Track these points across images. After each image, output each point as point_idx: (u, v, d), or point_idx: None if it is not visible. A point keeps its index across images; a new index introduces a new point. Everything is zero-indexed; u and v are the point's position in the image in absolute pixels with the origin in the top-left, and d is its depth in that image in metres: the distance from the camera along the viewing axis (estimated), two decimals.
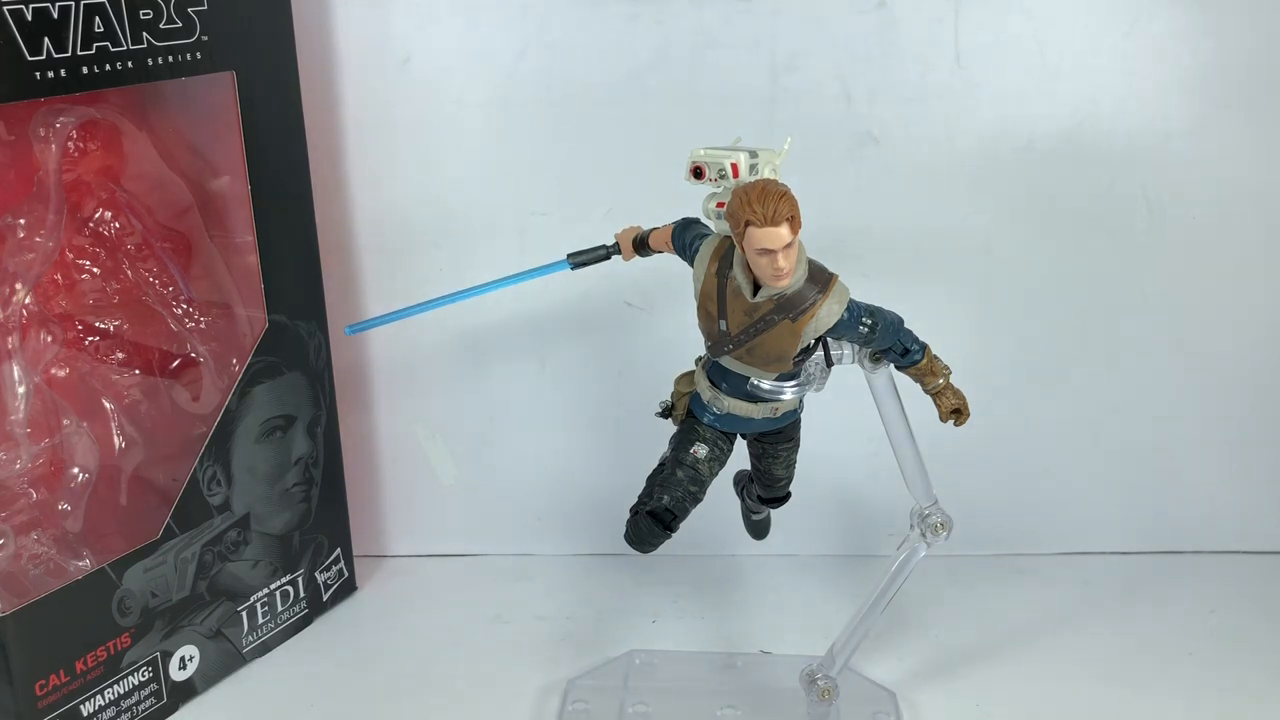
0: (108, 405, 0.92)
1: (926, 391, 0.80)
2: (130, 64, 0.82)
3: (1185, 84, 1.00)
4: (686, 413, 0.81)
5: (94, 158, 0.89)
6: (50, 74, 0.77)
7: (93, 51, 0.79)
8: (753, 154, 0.75)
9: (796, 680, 0.87)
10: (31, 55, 0.76)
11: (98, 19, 0.79)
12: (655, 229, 0.82)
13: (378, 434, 1.13)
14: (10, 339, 0.85)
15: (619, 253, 0.85)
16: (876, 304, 0.75)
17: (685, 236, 0.78)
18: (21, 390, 0.86)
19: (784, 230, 0.68)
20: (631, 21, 1.00)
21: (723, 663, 0.95)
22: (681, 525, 0.78)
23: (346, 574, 1.07)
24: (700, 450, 0.79)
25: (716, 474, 0.80)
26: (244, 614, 0.98)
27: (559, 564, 1.12)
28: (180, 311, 0.94)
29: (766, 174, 0.75)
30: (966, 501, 0.89)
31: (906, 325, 0.77)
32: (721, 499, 0.89)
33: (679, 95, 1.01)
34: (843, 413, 0.91)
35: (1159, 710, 0.90)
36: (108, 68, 0.80)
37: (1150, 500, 1.12)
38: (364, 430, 1.12)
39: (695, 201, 0.78)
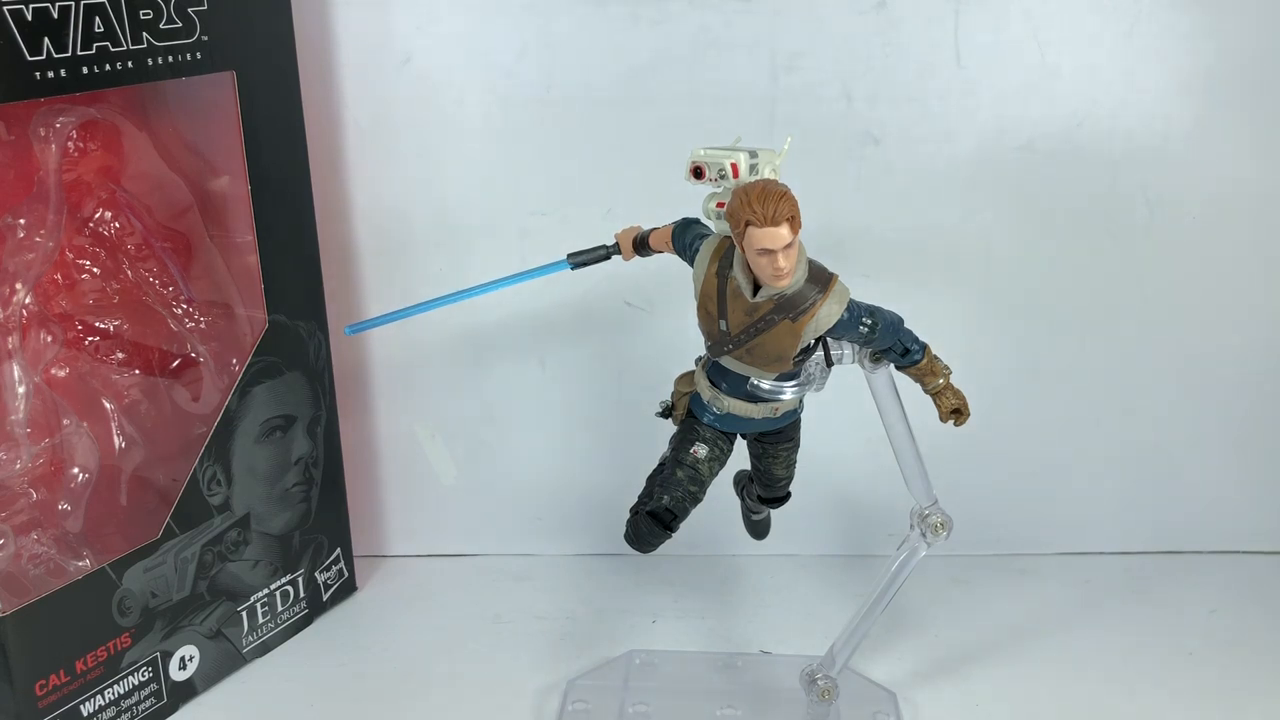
0: (108, 405, 0.92)
1: (926, 391, 0.80)
2: (130, 64, 0.82)
3: (1185, 84, 1.00)
4: (686, 413, 0.81)
5: (94, 158, 0.89)
6: (50, 74, 0.77)
7: (93, 51, 0.79)
8: (753, 154, 0.75)
9: (796, 680, 0.87)
10: (31, 55, 0.76)
11: (98, 19, 0.79)
12: (655, 229, 0.82)
13: (378, 434, 1.13)
14: (10, 339, 0.85)
15: (619, 253, 0.85)
16: (876, 304, 0.75)
17: (685, 237, 0.78)
18: (21, 390, 0.86)
19: (784, 230, 0.68)
20: (631, 21, 1.00)
21: (723, 663, 0.95)
22: (681, 525, 0.78)
23: (346, 574, 1.07)
24: (700, 450, 0.79)
25: (716, 474, 0.80)
26: (244, 614, 0.98)
27: (559, 564, 1.12)
28: (180, 311, 0.94)
29: (766, 174, 0.75)
30: (966, 501, 0.89)
31: (906, 325, 0.77)
32: (721, 499, 0.89)
33: (679, 95, 1.01)
34: (843, 413, 0.91)
35: (1159, 710, 0.90)
36: (108, 68, 0.80)
37: (1150, 500, 1.11)
38: (364, 430, 1.12)
39: (695, 201, 0.78)
